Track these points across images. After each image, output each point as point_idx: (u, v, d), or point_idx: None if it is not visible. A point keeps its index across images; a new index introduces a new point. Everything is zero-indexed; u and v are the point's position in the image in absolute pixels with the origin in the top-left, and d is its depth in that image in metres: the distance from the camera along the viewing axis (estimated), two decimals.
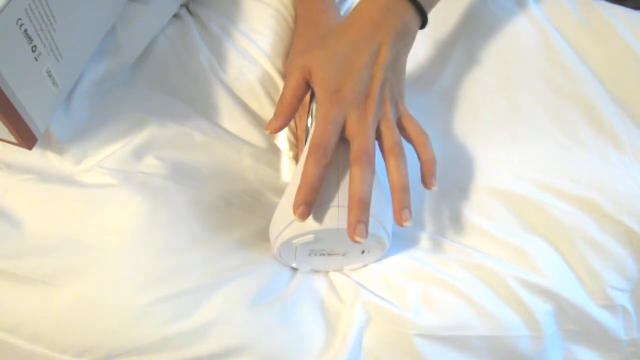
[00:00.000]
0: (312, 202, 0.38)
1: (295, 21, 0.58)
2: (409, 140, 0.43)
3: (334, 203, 0.39)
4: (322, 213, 0.39)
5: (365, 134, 0.40)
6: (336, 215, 0.39)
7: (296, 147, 0.52)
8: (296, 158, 0.52)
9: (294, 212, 0.38)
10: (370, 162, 0.39)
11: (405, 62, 0.45)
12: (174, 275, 0.41)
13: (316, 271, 0.47)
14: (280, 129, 0.43)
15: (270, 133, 0.43)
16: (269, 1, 0.57)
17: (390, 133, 0.41)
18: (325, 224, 0.39)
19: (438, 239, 0.48)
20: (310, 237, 0.39)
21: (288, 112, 0.43)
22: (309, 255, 0.43)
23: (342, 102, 0.41)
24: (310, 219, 0.39)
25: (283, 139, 0.52)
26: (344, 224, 0.38)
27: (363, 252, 0.43)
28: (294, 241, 0.40)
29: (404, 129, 0.43)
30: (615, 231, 0.48)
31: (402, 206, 0.39)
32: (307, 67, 0.42)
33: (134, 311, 0.39)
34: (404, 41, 0.44)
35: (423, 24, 0.45)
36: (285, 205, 0.40)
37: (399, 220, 0.39)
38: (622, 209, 0.48)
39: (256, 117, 0.52)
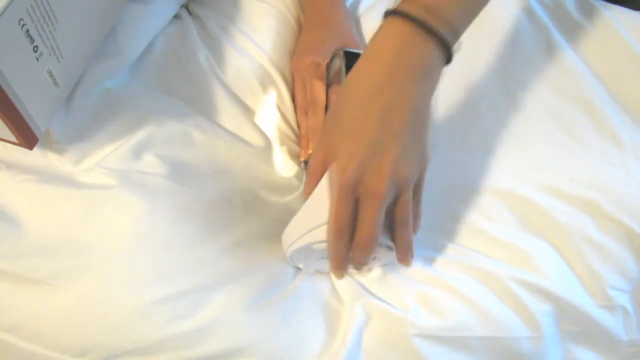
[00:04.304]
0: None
1: (297, 19, 0.58)
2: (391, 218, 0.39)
3: None
4: None
5: (369, 224, 0.37)
6: None
7: (294, 142, 0.52)
8: (298, 156, 0.52)
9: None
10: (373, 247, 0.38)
11: (429, 109, 0.38)
12: (174, 275, 0.41)
13: (320, 272, 0.47)
14: None
15: None
16: (269, 0, 0.57)
17: (401, 210, 0.37)
18: None
19: (437, 241, 0.48)
20: None
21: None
22: (321, 258, 0.43)
23: (355, 183, 0.36)
24: None
25: (273, 134, 0.52)
26: None
27: (374, 258, 0.43)
28: (314, 246, 0.41)
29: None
30: (615, 231, 0.48)
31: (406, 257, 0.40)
32: (327, 137, 0.38)
33: (135, 311, 0.39)
34: (425, 90, 0.37)
35: (448, 58, 0.37)
36: (309, 210, 0.40)
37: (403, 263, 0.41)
38: (622, 209, 0.48)
39: (255, 115, 0.52)
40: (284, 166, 0.50)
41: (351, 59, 0.50)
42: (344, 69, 0.50)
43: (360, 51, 0.47)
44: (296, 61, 0.54)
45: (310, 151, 0.50)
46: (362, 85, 0.36)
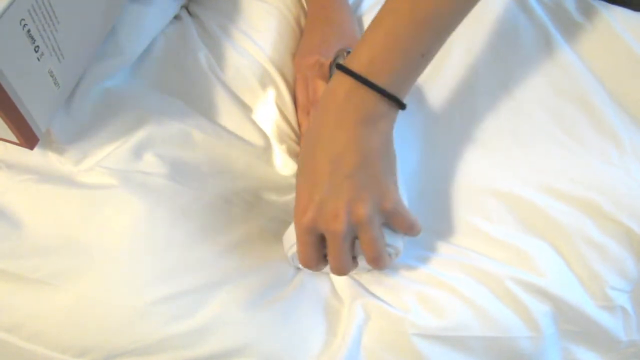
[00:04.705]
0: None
1: (297, 19, 0.58)
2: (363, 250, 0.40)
3: None
4: None
5: (338, 258, 0.39)
6: None
7: (294, 142, 0.52)
8: (298, 155, 0.52)
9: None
10: (348, 272, 0.41)
11: (383, 151, 0.39)
12: (174, 275, 0.41)
13: (321, 271, 0.47)
14: None
15: None
16: (269, 0, 0.57)
17: (369, 248, 0.39)
18: None
19: (437, 241, 0.48)
20: None
21: None
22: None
23: (313, 225, 0.39)
24: None
25: (273, 133, 0.52)
26: None
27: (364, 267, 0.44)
28: None
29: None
30: (615, 232, 0.48)
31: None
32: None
33: (135, 311, 0.39)
34: (375, 134, 0.38)
35: (401, 105, 0.39)
36: None
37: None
38: (622, 210, 0.48)
39: (254, 115, 0.52)
40: (284, 165, 0.50)
41: None
42: None
43: None
44: (298, 60, 0.54)
45: None
46: (315, 133, 0.39)
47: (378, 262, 0.39)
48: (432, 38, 0.40)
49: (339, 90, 0.39)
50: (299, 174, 0.41)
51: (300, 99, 0.53)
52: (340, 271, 0.40)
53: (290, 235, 0.43)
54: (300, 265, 0.45)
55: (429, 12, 0.39)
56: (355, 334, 0.42)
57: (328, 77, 0.53)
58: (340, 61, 0.52)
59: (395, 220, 0.40)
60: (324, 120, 0.39)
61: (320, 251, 0.40)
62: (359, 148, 0.38)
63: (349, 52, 0.51)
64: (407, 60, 0.39)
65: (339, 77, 0.39)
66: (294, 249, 0.42)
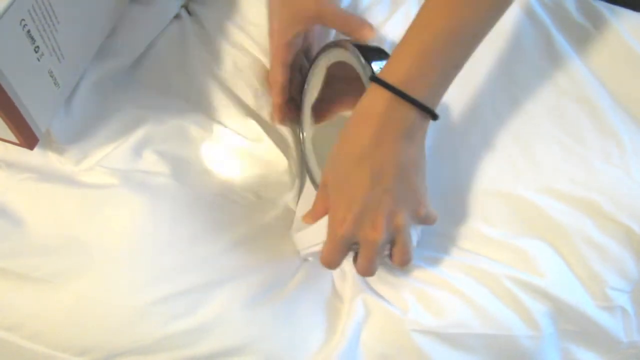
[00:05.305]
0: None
1: None
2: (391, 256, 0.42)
3: None
4: None
5: (370, 263, 0.41)
6: None
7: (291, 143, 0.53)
8: None
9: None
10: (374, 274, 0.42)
11: (419, 162, 0.41)
12: (174, 274, 0.41)
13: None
14: None
15: None
16: None
17: (401, 252, 0.41)
18: None
19: (438, 241, 0.48)
20: None
21: None
22: None
23: (351, 235, 0.40)
24: None
25: (272, 130, 0.52)
26: None
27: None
28: None
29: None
30: (615, 232, 0.48)
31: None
32: (325, 190, 0.42)
33: (135, 310, 0.40)
34: (413, 146, 0.40)
35: (434, 115, 0.41)
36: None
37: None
38: (622, 210, 0.48)
39: (252, 112, 0.52)
40: (283, 163, 0.50)
41: (368, 53, 0.48)
42: (361, 66, 0.47)
43: (376, 45, 0.47)
44: (270, 44, 0.53)
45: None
46: (353, 148, 0.40)
47: (407, 263, 0.41)
48: (465, 50, 0.41)
49: (377, 105, 0.39)
50: (333, 182, 0.41)
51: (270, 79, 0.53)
52: (368, 273, 0.42)
53: (306, 237, 0.44)
54: (311, 258, 0.46)
55: (462, 26, 0.40)
56: (355, 331, 0.42)
57: (287, 58, 0.51)
58: (336, 51, 0.50)
59: (426, 221, 0.42)
60: (362, 134, 0.40)
61: (345, 255, 0.42)
62: (398, 162, 0.39)
63: (358, 47, 0.49)
64: (442, 73, 0.40)
65: (377, 91, 0.39)
66: (311, 249, 0.43)
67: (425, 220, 0.42)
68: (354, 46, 0.46)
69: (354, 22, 0.49)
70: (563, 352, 0.47)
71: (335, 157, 0.42)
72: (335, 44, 0.49)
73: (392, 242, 0.41)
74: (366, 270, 0.41)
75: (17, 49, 0.35)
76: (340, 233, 0.40)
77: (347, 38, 0.51)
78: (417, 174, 0.41)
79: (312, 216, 0.43)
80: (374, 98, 0.40)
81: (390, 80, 0.39)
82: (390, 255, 0.42)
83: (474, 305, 0.44)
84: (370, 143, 0.39)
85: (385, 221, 0.39)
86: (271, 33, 0.53)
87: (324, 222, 0.42)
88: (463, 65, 0.42)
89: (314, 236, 0.43)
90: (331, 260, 0.41)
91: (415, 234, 0.42)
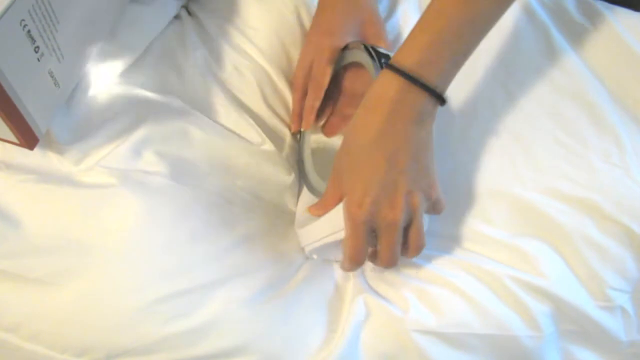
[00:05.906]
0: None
1: (297, 17, 0.56)
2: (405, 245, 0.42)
3: None
4: None
5: (392, 248, 0.41)
6: None
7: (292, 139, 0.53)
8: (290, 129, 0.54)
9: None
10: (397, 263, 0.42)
11: (429, 145, 0.42)
12: (174, 274, 0.41)
13: (327, 260, 0.48)
14: None
15: None
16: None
17: (416, 236, 0.41)
18: None
19: (438, 241, 0.48)
20: None
21: None
22: (339, 247, 0.44)
23: (370, 217, 0.40)
24: None
25: (270, 131, 0.52)
26: None
27: None
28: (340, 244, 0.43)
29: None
30: (615, 232, 0.48)
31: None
32: (339, 177, 0.43)
33: (135, 311, 0.40)
34: (423, 129, 0.41)
35: (443, 101, 0.42)
36: (334, 216, 0.42)
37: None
38: (622, 210, 0.48)
39: (252, 113, 0.52)
40: (282, 164, 0.50)
41: (382, 57, 0.49)
42: (373, 68, 0.48)
43: (391, 53, 0.47)
44: (315, 39, 0.53)
45: (301, 128, 0.53)
46: (367, 133, 0.41)
47: (422, 248, 0.42)
48: (476, 38, 0.42)
49: (389, 90, 0.40)
50: (347, 170, 0.42)
51: (299, 76, 0.53)
52: (392, 262, 0.41)
53: (313, 231, 0.44)
54: (315, 255, 0.46)
55: (474, 14, 0.41)
56: (355, 330, 0.43)
57: (335, 63, 0.52)
58: (357, 53, 0.51)
59: (436, 206, 0.43)
60: (375, 119, 0.40)
61: (368, 245, 0.41)
62: (411, 145, 0.40)
63: (364, 45, 0.50)
64: (453, 60, 0.41)
65: (389, 76, 0.40)
66: (318, 244, 0.43)
67: (435, 203, 0.42)
68: (375, 51, 0.48)
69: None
70: (563, 352, 0.47)
71: (348, 143, 0.42)
72: (352, 46, 0.51)
73: (406, 229, 0.41)
74: (389, 259, 0.41)
75: (17, 49, 0.35)
76: (360, 218, 0.40)
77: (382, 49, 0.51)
78: (428, 157, 0.42)
79: (323, 206, 0.44)
80: (386, 83, 0.40)
81: (402, 65, 0.40)
82: (404, 243, 0.42)
83: (475, 304, 0.44)
84: (383, 127, 0.40)
85: (403, 200, 0.39)
86: (328, 29, 0.53)
87: (331, 214, 0.42)
88: (472, 52, 0.42)
89: (321, 229, 0.43)
90: (357, 253, 0.41)
91: (426, 221, 0.43)
